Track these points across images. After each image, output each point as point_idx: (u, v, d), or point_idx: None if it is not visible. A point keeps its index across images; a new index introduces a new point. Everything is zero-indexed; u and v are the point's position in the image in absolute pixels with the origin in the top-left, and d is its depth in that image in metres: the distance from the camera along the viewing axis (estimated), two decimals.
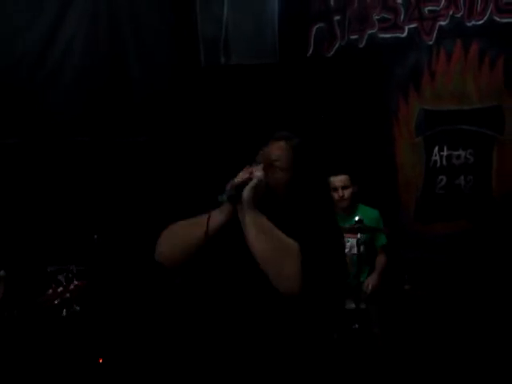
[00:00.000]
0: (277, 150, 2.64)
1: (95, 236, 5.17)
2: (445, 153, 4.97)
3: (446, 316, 4.73)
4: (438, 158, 5.00)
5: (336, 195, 5.02)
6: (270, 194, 2.62)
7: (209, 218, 2.57)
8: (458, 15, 4.87)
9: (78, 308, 2.88)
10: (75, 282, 2.87)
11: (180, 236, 2.66)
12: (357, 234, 4.73)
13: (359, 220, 4.65)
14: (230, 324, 2.65)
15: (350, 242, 5.01)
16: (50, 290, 2.89)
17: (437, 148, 5.00)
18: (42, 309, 2.83)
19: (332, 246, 2.71)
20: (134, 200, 5.58)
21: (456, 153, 4.92)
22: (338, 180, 4.99)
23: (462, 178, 4.89)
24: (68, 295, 2.85)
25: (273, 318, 2.59)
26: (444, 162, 4.98)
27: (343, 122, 5.55)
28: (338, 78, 5.61)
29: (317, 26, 5.79)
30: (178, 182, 5.68)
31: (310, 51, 5.84)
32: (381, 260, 4.97)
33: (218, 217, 2.58)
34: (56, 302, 2.86)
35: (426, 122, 5.05)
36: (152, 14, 5.86)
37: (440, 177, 4.99)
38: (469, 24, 4.82)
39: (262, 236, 2.53)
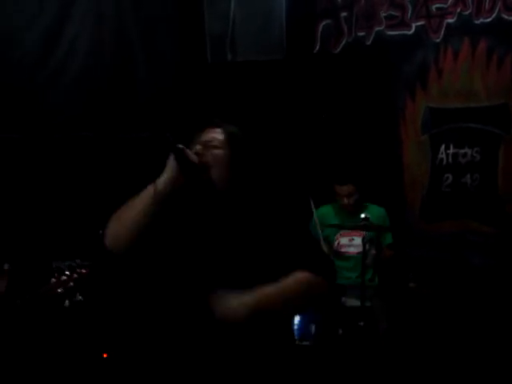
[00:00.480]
0: (211, 133, 2.66)
1: (100, 231, 5.17)
2: (451, 151, 4.96)
3: (451, 314, 4.72)
4: (444, 156, 4.98)
5: (341, 201, 5.05)
6: (211, 188, 2.62)
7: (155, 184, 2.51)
8: (466, 13, 4.83)
9: (80, 298, 2.86)
10: (78, 271, 2.85)
11: (124, 215, 2.59)
12: (362, 232, 4.72)
13: (365, 218, 4.65)
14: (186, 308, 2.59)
15: (356, 240, 5.02)
16: (53, 279, 2.87)
17: (443, 146, 4.98)
18: (44, 298, 2.81)
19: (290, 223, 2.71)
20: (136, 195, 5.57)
21: (462, 151, 4.90)
22: (343, 189, 5.02)
23: (469, 176, 4.87)
24: (71, 284, 2.84)
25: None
26: (450, 160, 4.96)
27: (349, 119, 5.54)
28: (344, 75, 5.60)
29: (324, 23, 5.78)
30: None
31: (317, 48, 5.83)
32: (385, 254, 4.96)
33: (158, 184, 2.52)
34: (59, 291, 2.84)
35: (432, 120, 5.03)
36: (157, 10, 5.85)
37: (446, 175, 4.98)
38: (477, 22, 4.79)
39: (281, 309, 2.54)
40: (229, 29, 5.75)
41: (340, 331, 4.70)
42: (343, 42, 5.67)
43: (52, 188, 5.38)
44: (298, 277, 2.52)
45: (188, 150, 2.54)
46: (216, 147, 2.62)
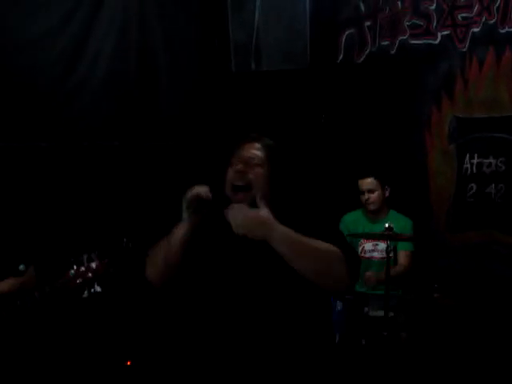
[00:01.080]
0: (251, 149, 2.70)
1: (124, 239, 5.21)
2: (475, 160, 4.93)
3: (475, 325, 4.68)
4: (468, 165, 4.96)
5: (362, 198, 5.00)
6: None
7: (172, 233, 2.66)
8: (491, 22, 4.81)
9: (99, 289, 2.88)
10: (97, 261, 2.88)
11: (156, 254, 2.73)
12: (386, 240, 4.69)
13: (389, 227, 4.60)
14: (227, 326, 2.65)
15: (380, 245, 4.99)
16: (72, 271, 2.89)
17: (468, 156, 4.96)
18: (63, 290, 2.83)
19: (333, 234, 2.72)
20: (162, 204, 5.61)
21: (487, 161, 4.87)
22: (363, 183, 4.98)
23: (493, 186, 4.83)
24: (90, 275, 2.86)
25: (270, 316, 2.60)
26: (474, 169, 4.93)
27: (374, 129, 5.52)
28: (368, 85, 5.59)
29: (347, 32, 5.78)
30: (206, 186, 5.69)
31: (341, 57, 5.83)
32: (399, 266, 4.93)
33: (182, 228, 2.66)
34: (78, 282, 2.86)
35: (458, 130, 5.01)
36: (181, 19, 5.88)
37: (470, 185, 4.95)
38: (502, 31, 4.77)
39: (298, 252, 2.50)
40: (253, 38, 5.77)
41: (363, 341, 4.68)
42: (367, 52, 5.66)
43: (78, 196, 5.41)
44: (327, 244, 2.51)
45: (200, 194, 2.65)
46: (257, 165, 2.67)
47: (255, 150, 2.69)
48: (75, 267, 2.86)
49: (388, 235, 4.58)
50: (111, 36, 5.66)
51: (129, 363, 4.99)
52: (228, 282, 2.67)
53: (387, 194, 5.03)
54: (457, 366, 4.62)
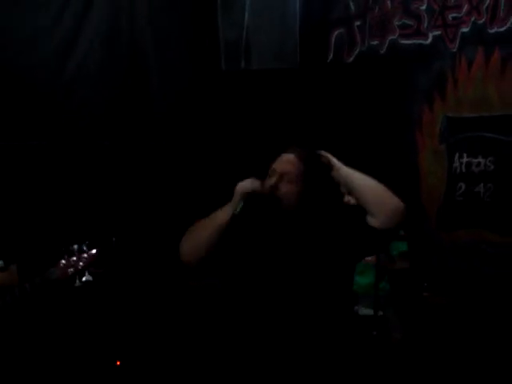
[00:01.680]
0: (286, 163, 2.78)
1: (113, 239, 5.20)
2: (464, 160, 4.94)
3: (465, 324, 4.70)
4: (457, 164, 4.97)
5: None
6: (282, 213, 2.73)
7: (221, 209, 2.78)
8: (480, 22, 4.81)
9: (90, 278, 2.89)
10: (88, 251, 2.88)
11: (197, 233, 2.81)
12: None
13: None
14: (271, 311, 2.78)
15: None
16: (63, 261, 2.89)
17: (457, 155, 4.97)
18: (55, 280, 2.83)
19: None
20: (153, 203, 5.61)
21: (476, 160, 4.88)
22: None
23: (482, 185, 4.85)
24: (81, 264, 2.87)
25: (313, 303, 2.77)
26: (463, 169, 4.95)
27: (364, 129, 5.53)
28: (358, 84, 5.60)
29: (337, 32, 5.79)
30: (197, 185, 5.70)
31: (330, 56, 5.83)
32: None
33: (223, 212, 2.78)
34: (69, 272, 2.87)
35: (449, 129, 5.02)
36: (171, 18, 5.88)
37: (459, 184, 4.97)
38: (491, 31, 4.77)
39: (364, 176, 2.87)
40: (243, 37, 5.77)
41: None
42: (356, 51, 5.67)
43: (68, 195, 5.41)
44: None
45: (259, 187, 2.76)
46: (290, 181, 2.79)
47: (291, 166, 2.81)
48: (66, 257, 2.86)
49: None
50: (101, 36, 5.67)
51: (118, 363, 5.00)
52: (272, 271, 2.78)
53: None
54: (447, 364, 4.64)
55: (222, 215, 2.76)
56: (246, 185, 2.79)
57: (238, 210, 2.72)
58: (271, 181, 2.77)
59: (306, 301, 2.76)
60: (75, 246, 2.90)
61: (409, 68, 5.27)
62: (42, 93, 5.42)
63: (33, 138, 5.37)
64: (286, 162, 2.82)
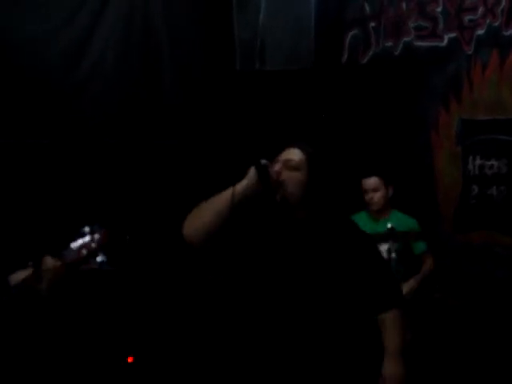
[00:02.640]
0: (290, 154, 2.83)
1: (127, 237, 5.22)
2: (478, 162, 4.95)
3: (477, 325, 4.70)
4: (471, 167, 4.98)
5: (366, 197, 4.99)
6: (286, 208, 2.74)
7: (233, 188, 2.67)
8: (496, 24, 4.82)
9: (105, 258, 2.88)
10: (100, 232, 2.87)
11: (204, 209, 2.75)
12: (387, 241, 4.68)
13: (391, 228, 4.59)
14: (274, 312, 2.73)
15: (382, 246, 4.97)
16: (76, 243, 2.88)
17: (471, 157, 4.98)
18: (70, 264, 2.83)
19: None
20: (164, 202, 5.63)
21: (489, 163, 4.89)
22: (367, 182, 4.93)
23: (495, 188, 4.85)
24: (94, 245, 2.85)
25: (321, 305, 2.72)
26: (477, 171, 4.95)
27: (378, 131, 5.53)
28: (372, 85, 5.60)
29: (352, 33, 5.80)
30: (208, 185, 5.70)
31: (345, 58, 5.85)
32: (425, 267, 4.90)
33: (238, 187, 2.68)
34: (83, 253, 2.86)
35: (464, 132, 5.03)
36: (187, 17, 5.89)
37: (472, 186, 4.97)
38: (506, 33, 4.77)
39: None
40: (258, 38, 5.79)
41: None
42: (371, 53, 5.68)
43: (80, 194, 5.43)
44: (392, 329, 2.88)
45: (271, 167, 2.70)
46: (294, 168, 2.77)
47: (294, 155, 2.80)
48: (78, 239, 2.85)
49: (389, 235, 4.57)
50: (116, 34, 5.68)
51: (130, 360, 5.01)
52: (281, 273, 2.75)
53: (391, 193, 5.00)
54: (458, 365, 4.64)
55: (228, 192, 2.69)
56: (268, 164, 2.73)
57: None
58: (274, 168, 2.72)
59: (304, 311, 2.72)
60: (86, 228, 2.87)
61: (424, 70, 5.28)
62: (57, 91, 5.44)
63: (45, 137, 5.39)
64: (289, 152, 2.83)
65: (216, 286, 4.67)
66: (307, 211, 2.82)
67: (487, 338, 4.63)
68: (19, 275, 2.79)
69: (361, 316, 2.83)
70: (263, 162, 2.67)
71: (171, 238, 3.13)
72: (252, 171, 2.66)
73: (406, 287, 4.81)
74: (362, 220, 5.15)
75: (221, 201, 2.68)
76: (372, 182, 4.94)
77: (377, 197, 4.93)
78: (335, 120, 5.69)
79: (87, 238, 2.82)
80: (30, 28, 5.35)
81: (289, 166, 2.76)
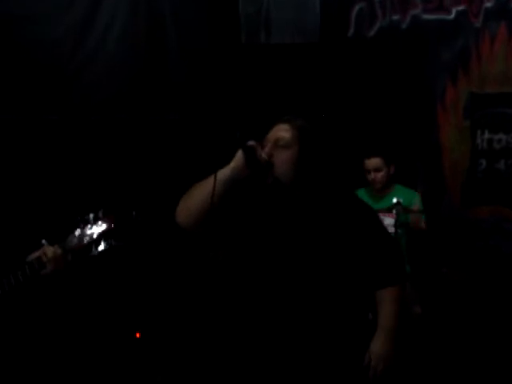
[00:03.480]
0: (279, 131, 2.70)
1: (133, 212, 5.21)
2: (486, 136, 4.92)
3: (484, 300, 4.71)
4: (479, 141, 4.96)
5: (369, 177, 5.00)
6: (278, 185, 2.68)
7: (215, 174, 2.61)
8: None
9: (107, 246, 2.85)
10: (103, 219, 2.84)
11: (193, 196, 2.70)
12: (394, 214, 4.68)
13: (397, 202, 4.60)
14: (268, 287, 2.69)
15: (386, 220, 4.98)
16: (79, 230, 2.85)
17: (479, 131, 4.95)
18: (71, 251, 2.80)
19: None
20: (170, 177, 5.61)
21: (497, 136, 4.87)
22: (370, 163, 4.94)
23: (503, 162, 4.83)
24: (97, 233, 2.82)
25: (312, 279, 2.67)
26: (485, 145, 4.93)
27: (385, 105, 5.50)
28: (379, 59, 5.56)
29: (358, 6, 5.74)
30: (214, 159, 5.68)
31: (351, 31, 5.79)
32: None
33: (225, 171, 2.62)
34: (86, 241, 2.82)
35: (472, 106, 5.00)
36: None
37: (480, 160, 4.95)
38: None
39: None
40: (263, 10, 5.74)
41: (370, 316, 4.70)
42: (377, 26, 5.62)
43: (86, 170, 5.42)
44: (388, 306, 2.78)
45: (258, 148, 2.60)
46: (284, 147, 2.66)
47: (284, 132, 2.68)
48: (82, 226, 2.82)
49: (396, 209, 4.57)
50: (121, 9, 5.63)
51: (138, 335, 5.03)
52: (276, 247, 2.70)
53: (392, 171, 5.01)
54: (465, 337, 4.66)
55: (221, 173, 2.62)
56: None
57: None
58: (265, 149, 2.63)
59: (304, 285, 2.66)
60: (91, 215, 2.83)
61: (431, 43, 5.23)
62: (61, 68, 5.41)
63: (53, 113, 5.38)
64: (279, 129, 2.70)
65: (215, 261, 4.67)
66: (302, 187, 2.73)
67: (494, 311, 4.65)
68: (48, 251, 2.78)
69: (357, 289, 2.76)
70: (250, 143, 2.57)
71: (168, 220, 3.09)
72: (239, 154, 2.59)
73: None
74: (365, 197, 5.16)
75: (208, 186, 2.62)
76: (374, 162, 4.94)
77: (379, 177, 4.94)
78: (341, 94, 5.65)
79: (90, 227, 2.80)
80: (34, 6, 5.30)
81: (279, 144, 2.66)
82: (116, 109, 5.57)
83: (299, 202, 2.73)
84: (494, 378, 4.35)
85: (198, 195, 2.65)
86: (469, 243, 4.95)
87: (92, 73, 5.51)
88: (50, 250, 2.76)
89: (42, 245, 2.80)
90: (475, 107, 4.98)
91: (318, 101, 5.63)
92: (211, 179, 2.61)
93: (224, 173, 2.60)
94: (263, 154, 2.60)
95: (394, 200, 4.59)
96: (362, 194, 5.16)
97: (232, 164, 2.60)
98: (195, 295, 5.14)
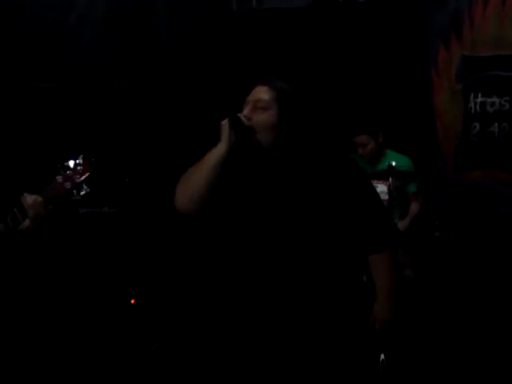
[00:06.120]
0: (258, 92, 2.65)
1: (126, 179, 5.21)
2: (479, 100, 4.91)
3: (478, 263, 4.73)
4: (472, 104, 4.95)
5: (360, 150, 5.03)
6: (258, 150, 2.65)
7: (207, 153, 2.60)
8: None
9: (88, 190, 2.84)
10: (84, 163, 2.83)
11: (191, 181, 2.66)
12: (387, 179, 4.70)
13: (391, 165, 4.61)
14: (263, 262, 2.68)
15: (379, 187, 5.00)
16: (59, 176, 2.84)
17: (472, 95, 4.94)
18: (52, 196, 2.80)
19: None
20: (163, 143, 5.59)
21: (490, 100, 4.85)
22: (357, 139, 4.99)
23: (496, 125, 4.82)
24: (78, 177, 2.82)
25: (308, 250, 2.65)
26: (478, 108, 4.92)
27: (378, 70, 5.48)
28: (371, 24, 5.53)
29: None
30: (207, 125, 5.65)
31: None
32: (413, 208, 4.98)
33: (218, 150, 2.59)
34: (67, 187, 2.82)
35: (465, 69, 4.98)
36: None
37: (474, 124, 4.95)
38: None
39: None
40: None
41: (364, 278, 4.71)
42: None
43: (77, 136, 5.40)
44: (382, 270, 2.77)
45: (242, 117, 2.57)
46: (263, 109, 2.61)
47: (262, 94, 2.62)
48: (62, 172, 2.81)
49: (390, 173, 4.58)
50: None
51: (133, 301, 5.04)
52: (266, 215, 2.67)
53: (380, 139, 5.03)
54: (458, 301, 4.69)
55: (216, 152, 2.59)
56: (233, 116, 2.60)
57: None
58: (243, 112, 2.60)
59: (297, 249, 2.64)
60: (71, 162, 2.82)
61: (423, 7, 5.21)
62: (52, 33, 5.40)
63: (43, 80, 5.36)
64: (257, 91, 2.64)
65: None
66: (285, 151, 2.68)
67: (487, 274, 4.67)
68: (28, 199, 2.78)
69: (349, 252, 2.76)
70: (237, 115, 2.56)
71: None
72: (225, 127, 2.57)
73: (399, 225, 4.87)
74: (360, 161, 5.17)
75: (205, 169, 2.60)
76: (360, 139, 4.99)
77: (367, 151, 4.98)
78: (333, 60, 5.62)
79: (70, 171, 2.79)
80: None
81: (257, 106, 2.61)
82: (107, 75, 5.55)
83: (286, 168, 2.69)
84: (486, 344, 4.38)
85: (197, 180, 2.62)
86: (462, 207, 4.96)
87: (82, 38, 5.48)
88: (30, 198, 2.77)
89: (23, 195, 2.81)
90: (468, 70, 4.96)
91: (309, 67, 5.61)
92: (205, 160, 2.60)
93: (218, 153, 2.58)
94: (242, 118, 2.57)
95: (392, 163, 4.60)
96: (357, 158, 5.17)
97: (223, 140, 2.58)
98: (189, 261, 5.16)
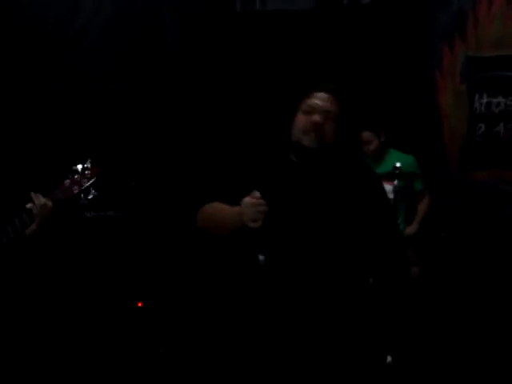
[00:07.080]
0: (326, 101, 2.67)
1: (132, 183, 5.22)
2: (484, 100, 4.91)
3: (482, 264, 4.73)
4: (478, 105, 4.94)
5: (363, 148, 5.06)
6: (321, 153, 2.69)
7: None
8: None
9: (96, 193, 2.87)
10: (91, 168, 2.85)
11: (211, 223, 2.78)
12: (393, 180, 4.71)
13: (397, 167, 4.62)
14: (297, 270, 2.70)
15: (385, 187, 5.00)
16: (68, 180, 2.86)
17: (477, 95, 4.94)
18: (60, 199, 2.82)
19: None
20: (168, 145, 5.60)
21: (496, 100, 4.85)
22: (362, 136, 5.03)
23: (502, 125, 4.82)
24: (86, 181, 2.84)
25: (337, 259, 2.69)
26: (483, 109, 4.92)
27: (383, 71, 5.47)
28: (375, 25, 5.52)
29: None
30: (212, 127, 5.67)
31: None
32: (422, 207, 5.02)
33: (237, 220, 2.58)
34: (75, 191, 2.85)
35: (469, 69, 4.98)
36: None
37: (479, 124, 4.95)
38: None
39: None
40: None
41: (371, 280, 4.71)
42: None
43: (85, 140, 5.41)
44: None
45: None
46: (332, 120, 2.66)
47: (330, 104, 2.67)
48: (70, 177, 2.83)
49: (396, 175, 4.60)
50: None
51: (140, 304, 5.05)
52: (288, 219, 2.70)
53: (383, 138, 5.06)
54: (463, 300, 4.69)
55: (235, 223, 2.60)
56: (250, 223, 2.56)
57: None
58: (315, 118, 2.62)
59: (320, 254, 2.68)
60: (79, 166, 2.85)
61: (427, 7, 5.20)
62: (58, 36, 5.41)
63: (50, 84, 5.38)
64: (327, 99, 2.66)
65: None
66: (325, 157, 2.74)
67: (492, 274, 4.66)
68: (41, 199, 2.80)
69: (360, 255, 2.77)
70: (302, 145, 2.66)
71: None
72: (247, 208, 2.53)
73: (409, 230, 4.90)
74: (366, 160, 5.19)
75: (226, 227, 2.68)
76: (365, 136, 5.01)
77: (370, 148, 5.03)
78: (337, 62, 5.62)
79: (78, 176, 2.81)
80: None
81: (328, 116, 2.65)
82: (113, 78, 5.56)
83: (305, 172, 2.73)
84: (491, 340, 4.38)
85: (218, 228, 2.75)
86: (467, 207, 4.96)
87: (87, 41, 5.49)
88: (42, 200, 2.79)
89: (31, 197, 2.82)
90: (472, 70, 4.96)
91: (313, 68, 5.61)
92: (226, 219, 2.66)
93: (236, 224, 2.59)
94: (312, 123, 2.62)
95: (397, 164, 4.62)
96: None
97: (243, 219, 2.55)
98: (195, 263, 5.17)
